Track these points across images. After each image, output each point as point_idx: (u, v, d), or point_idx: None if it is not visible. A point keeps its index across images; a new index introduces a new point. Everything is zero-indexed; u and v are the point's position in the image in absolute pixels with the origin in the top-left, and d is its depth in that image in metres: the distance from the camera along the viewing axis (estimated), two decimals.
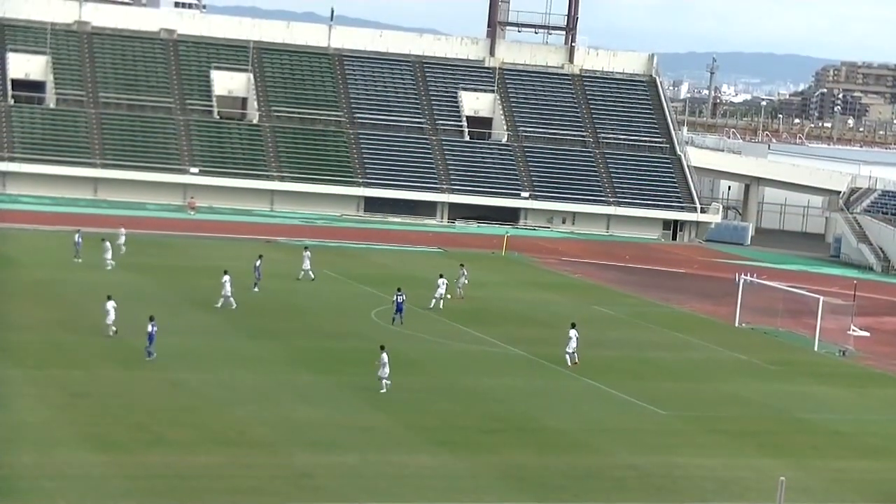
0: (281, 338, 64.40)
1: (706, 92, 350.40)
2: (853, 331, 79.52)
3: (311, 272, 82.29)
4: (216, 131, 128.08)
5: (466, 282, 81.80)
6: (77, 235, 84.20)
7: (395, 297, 70.09)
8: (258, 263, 77.73)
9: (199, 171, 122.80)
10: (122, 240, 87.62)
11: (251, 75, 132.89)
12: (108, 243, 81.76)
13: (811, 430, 54.92)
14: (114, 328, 60.36)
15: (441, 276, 77.46)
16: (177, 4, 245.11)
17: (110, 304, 60.65)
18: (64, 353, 57.34)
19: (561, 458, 46.88)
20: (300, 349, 62.16)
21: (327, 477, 42.34)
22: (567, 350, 62.46)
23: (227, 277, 70.42)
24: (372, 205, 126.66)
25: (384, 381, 53.80)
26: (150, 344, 56.69)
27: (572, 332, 62.78)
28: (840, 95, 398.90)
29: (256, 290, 75.11)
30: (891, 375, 69.22)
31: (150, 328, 56.89)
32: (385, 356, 53.85)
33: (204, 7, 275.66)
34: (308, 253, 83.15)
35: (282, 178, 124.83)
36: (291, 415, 49.60)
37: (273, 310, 71.46)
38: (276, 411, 49.98)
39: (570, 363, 62.18)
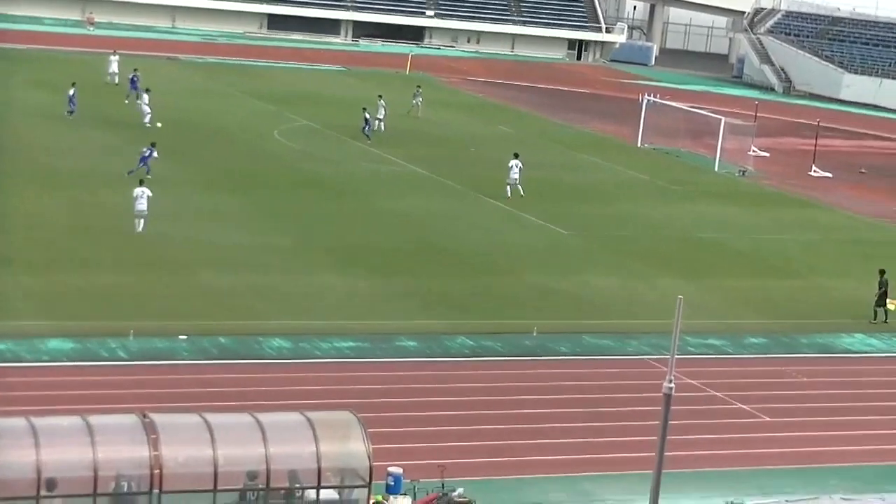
0: (185, 156, 63.73)
1: None
2: (753, 151, 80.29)
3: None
4: None
5: (421, 100, 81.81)
6: None
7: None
8: (135, 77, 77.08)
9: None
10: None
11: None
12: None
13: (710, 249, 55.63)
14: None
15: (380, 98, 76.98)
16: None
17: None
18: None
19: (464, 277, 47.16)
20: (205, 169, 61.58)
21: (231, 295, 42.33)
22: (507, 180, 60.83)
23: (146, 96, 70.19)
24: (275, 22, 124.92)
25: None
26: (142, 165, 57.00)
27: (514, 162, 61.21)
28: None
29: (128, 102, 73.82)
30: (788, 195, 70.12)
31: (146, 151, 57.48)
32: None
33: None
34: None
35: None
36: (199, 236, 49.32)
37: (174, 128, 70.59)
38: (184, 232, 49.65)
39: (509, 194, 60.39)
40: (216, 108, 77.15)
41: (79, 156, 61.46)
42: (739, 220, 62.15)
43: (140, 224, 48.06)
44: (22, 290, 40.81)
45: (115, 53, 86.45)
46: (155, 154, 57.73)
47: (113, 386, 33.73)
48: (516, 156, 61.82)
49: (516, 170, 61.02)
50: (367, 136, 72.36)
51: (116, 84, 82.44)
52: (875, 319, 46.20)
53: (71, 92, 70.84)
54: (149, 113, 69.85)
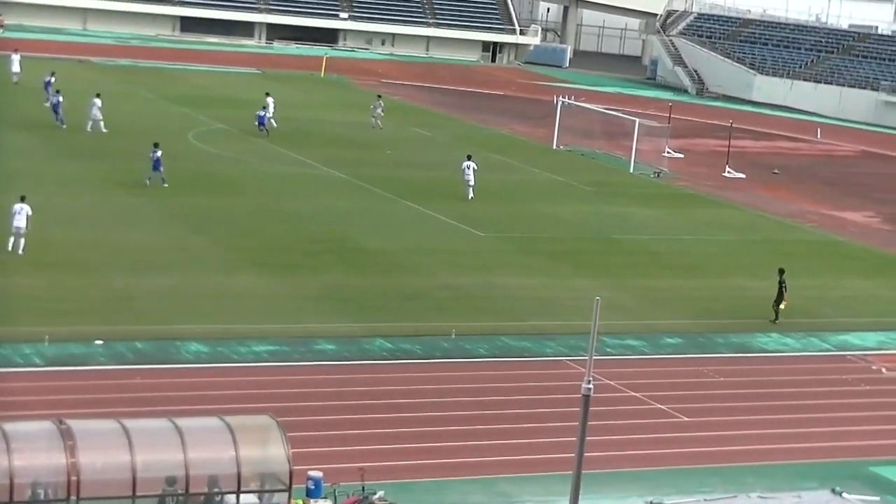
0: (98, 158, 63.19)
1: None
2: (668, 152, 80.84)
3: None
4: None
5: (382, 112, 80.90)
6: None
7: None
8: (50, 80, 76.45)
9: None
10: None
11: None
12: None
13: (626, 250, 55.92)
14: None
15: (268, 95, 77.25)
16: None
17: None
18: None
19: (380, 279, 47.08)
20: (117, 170, 61.01)
21: (146, 299, 41.99)
22: (468, 182, 61.65)
23: (96, 100, 69.53)
24: (188, 24, 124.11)
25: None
26: (155, 171, 57.63)
27: (466, 164, 62.10)
28: None
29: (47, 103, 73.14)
30: (703, 196, 70.65)
31: (152, 154, 57.73)
32: None
33: None
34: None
35: None
36: (109, 237, 48.87)
37: (85, 131, 69.92)
38: (94, 233, 49.20)
39: (470, 195, 61.39)
40: (129, 111, 76.45)
41: None
42: (655, 221, 62.52)
43: (19, 244, 44.65)
44: None
45: (16, 52, 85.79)
46: (159, 153, 57.67)
47: (28, 392, 33.31)
48: (469, 157, 62.68)
49: (470, 171, 61.77)
50: (265, 130, 74.25)
51: (16, 83, 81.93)
52: (775, 319, 46.47)
53: (54, 101, 70.63)
54: (100, 119, 69.25)
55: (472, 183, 62.01)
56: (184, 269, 45.71)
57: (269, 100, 76.80)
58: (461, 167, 62.75)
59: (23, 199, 45.54)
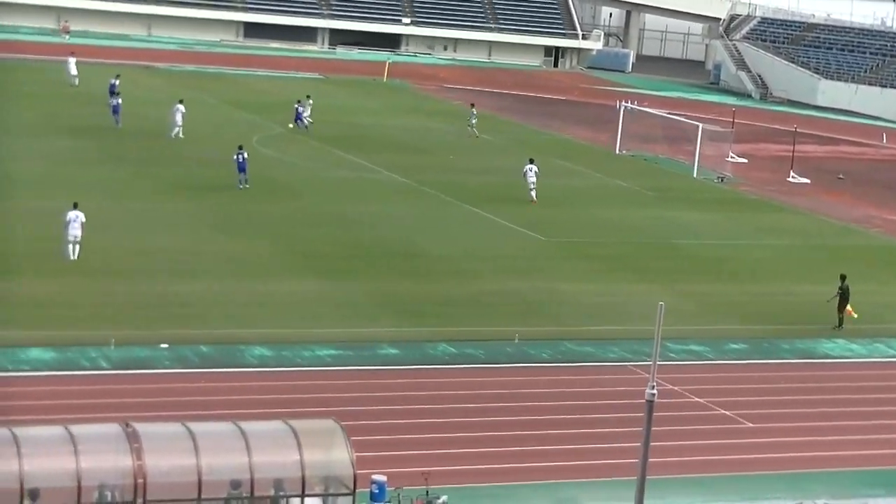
0: (153, 164, 63.64)
1: None
2: (731, 157, 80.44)
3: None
4: None
5: (476, 121, 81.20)
6: None
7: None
8: (115, 82, 77.76)
9: None
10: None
11: None
12: None
13: (689, 255, 55.69)
14: None
15: (308, 98, 78.79)
16: None
17: None
18: None
19: (439, 285, 47.10)
20: (182, 177, 61.44)
21: (210, 303, 42.20)
22: (531, 186, 62.32)
23: (180, 106, 70.58)
24: (252, 30, 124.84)
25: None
26: (242, 173, 59.06)
27: (529, 167, 62.71)
28: None
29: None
30: (766, 201, 70.26)
31: (237, 157, 59.18)
32: None
33: None
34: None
35: (158, 2, 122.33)
36: (156, 242, 49.08)
37: (151, 136, 70.54)
38: (141, 239, 49.40)
39: (533, 198, 62.08)
40: (194, 117, 76.81)
41: (51, 163, 61.42)
42: (718, 226, 62.24)
43: (74, 251, 44.92)
44: None
45: (72, 55, 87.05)
46: (245, 155, 58.82)
47: (95, 395, 33.58)
48: (531, 161, 63.21)
49: (532, 174, 62.25)
50: (304, 127, 76.81)
51: (73, 86, 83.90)
52: (839, 326, 46.04)
53: (114, 103, 72.69)
54: (180, 125, 70.34)
55: (534, 186, 62.06)
56: (247, 274, 45.91)
57: (309, 101, 78.27)
58: (524, 171, 62.86)
59: (76, 206, 45.66)
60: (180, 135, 70.15)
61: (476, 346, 40.48)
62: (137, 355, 36.85)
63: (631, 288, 49.04)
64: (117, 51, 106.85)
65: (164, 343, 37.85)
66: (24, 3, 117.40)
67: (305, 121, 77.06)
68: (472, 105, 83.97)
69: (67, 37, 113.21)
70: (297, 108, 77.96)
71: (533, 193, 62.21)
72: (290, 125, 77.30)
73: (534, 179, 62.39)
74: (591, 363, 40.37)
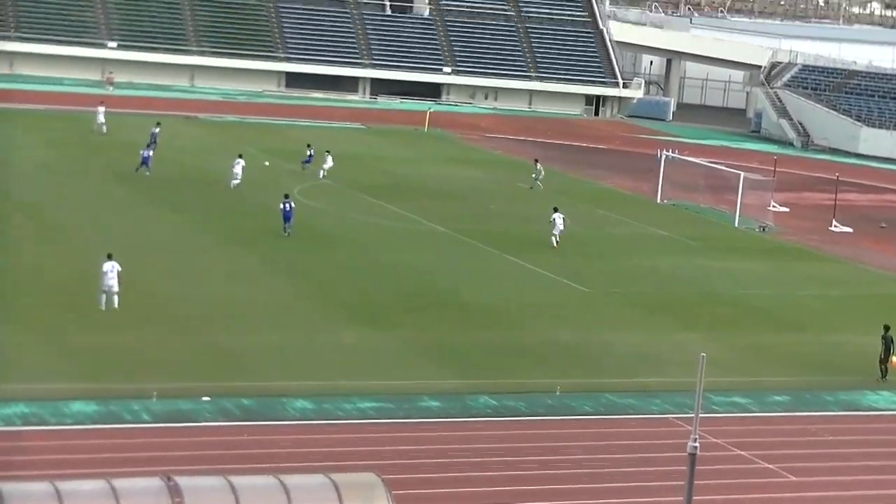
0: (201, 213, 64.01)
1: None
2: (773, 206, 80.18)
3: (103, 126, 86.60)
4: (134, 3, 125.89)
5: (542, 175, 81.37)
6: None
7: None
8: (156, 131, 78.91)
9: (118, 45, 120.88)
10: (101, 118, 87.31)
11: None
12: None
13: (731, 304, 55.49)
14: None
15: (328, 152, 79.15)
16: None
17: None
18: None
19: (483, 334, 47.10)
20: (220, 226, 61.74)
21: (251, 355, 42.32)
22: (553, 232, 62.91)
23: (240, 160, 71.74)
24: (293, 80, 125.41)
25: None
26: (286, 222, 59.95)
27: (556, 216, 63.31)
28: None
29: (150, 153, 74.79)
30: (808, 250, 69.99)
31: (283, 206, 60.01)
32: None
33: None
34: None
35: (201, 53, 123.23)
36: (213, 293, 49.37)
37: (192, 185, 70.94)
38: (197, 288, 49.71)
39: (554, 244, 62.67)
40: (253, 171, 77.35)
41: (92, 211, 61.93)
42: (760, 276, 62.03)
43: (112, 301, 45.00)
44: (41, 351, 40.84)
45: (101, 105, 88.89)
46: (292, 204, 60.59)
47: (137, 448, 33.69)
48: (556, 210, 63.91)
49: (560, 222, 63.00)
50: (304, 167, 78.36)
51: (96, 132, 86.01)
52: (883, 377, 45.66)
53: (146, 153, 73.17)
54: (239, 178, 71.37)
55: (560, 233, 63.03)
56: (288, 325, 46.05)
57: (329, 156, 78.74)
58: (551, 218, 63.59)
59: (110, 257, 45.78)
60: (240, 186, 70.79)
61: (517, 399, 40.41)
62: (180, 408, 36.96)
63: (673, 338, 48.90)
64: (160, 101, 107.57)
65: (205, 396, 37.95)
66: (70, 54, 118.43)
67: (321, 172, 77.32)
68: (537, 161, 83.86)
69: (111, 88, 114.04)
70: (309, 152, 79.56)
71: (553, 239, 62.83)
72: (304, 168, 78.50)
73: (561, 227, 63.05)
74: (633, 415, 40.24)
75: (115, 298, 45.21)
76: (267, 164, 79.26)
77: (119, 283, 45.35)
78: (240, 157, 72.64)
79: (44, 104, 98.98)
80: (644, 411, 40.58)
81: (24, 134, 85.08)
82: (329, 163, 78.11)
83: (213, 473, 27.64)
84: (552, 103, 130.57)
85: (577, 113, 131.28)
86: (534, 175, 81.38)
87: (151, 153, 73.73)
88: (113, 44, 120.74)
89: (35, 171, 71.53)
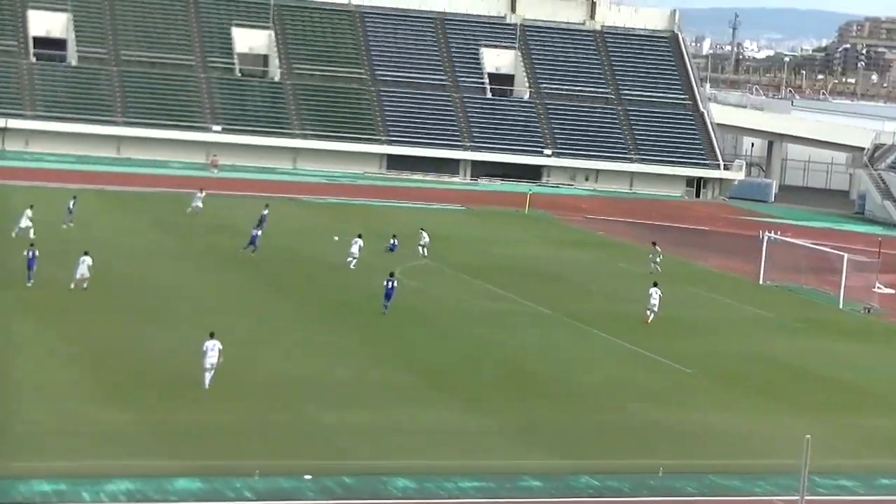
0: (304, 294, 64.47)
1: (728, 48, 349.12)
2: (878, 288, 79.24)
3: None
4: (238, 89, 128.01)
5: (661, 258, 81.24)
6: (71, 201, 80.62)
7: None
8: (265, 213, 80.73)
9: (222, 128, 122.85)
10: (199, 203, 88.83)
11: (272, 32, 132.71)
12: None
13: (836, 387, 54.80)
14: (84, 284, 60.12)
15: (422, 229, 79.91)
16: None
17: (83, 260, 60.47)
18: (66, 306, 57.17)
19: (586, 416, 46.84)
20: (322, 305, 62.14)
21: (352, 433, 42.35)
22: (647, 305, 63.62)
23: (358, 240, 72.96)
24: (394, 162, 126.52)
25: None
26: (387, 300, 60.56)
27: (653, 290, 64.05)
28: (863, 51, 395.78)
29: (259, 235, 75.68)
30: None
31: (387, 283, 60.80)
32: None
33: None
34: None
35: (304, 136, 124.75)
36: (314, 372, 49.58)
37: (294, 266, 71.51)
38: (298, 368, 49.96)
39: (648, 320, 63.33)
40: (338, 248, 77.85)
41: (195, 291, 62.60)
42: (867, 358, 61.25)
43: (212, 378, 45.42)
44: (145, 428, 41.17)
45: (201, 191, 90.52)
46: (395, 283, 61.22)
47: None
48: (655, 284, 64.51)
49: (656, 297, 63.33)
50: (390, 251, 78.32)
51: (191, 212, 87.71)
52: None
53: (255, 233, 74.96)
54: (356, 257, 72.51)
55: (655, 308, 63.44)
56: (388, 404, 46.07)
57: (423, 233, 79.49)
58: (649, 292, 64.00)
59: (212, 336, 46.09)
60: (355, 265, 71.35)
61: (620, 479, 40.06)
62: (281, 486, 37.03)
63: (778, 420, 48.30)
64: (264, 183, 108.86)
65: (307, 474, 38.01)
66: (176, 138, 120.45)
67: (421, 250, 78.22)
68: (654, 243, 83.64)
69: (216, 171, 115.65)
70: (393, 241, 79.55)
71: (649, 313, 63.26)
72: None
73: (655, 302, 63.31)
74: (737, 497, 39.71)
75: (212, 374, 45.48)
76: (336, 238, 79.65)
77: (219, 360, 45.67)
78: (359, 236, 73.41)
79: (150, 187, 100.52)
80: (748, 493, 40.04)
81: (129, 215, 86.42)
82: (425, 238, 78.57)
83: None
84: (653, 185, 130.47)
85: (679, 195, 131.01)
86: (651, 255, 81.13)
87: (260, 233, 75.00)
88: (217, 127, 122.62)
89: (140, 252, 72.50)
